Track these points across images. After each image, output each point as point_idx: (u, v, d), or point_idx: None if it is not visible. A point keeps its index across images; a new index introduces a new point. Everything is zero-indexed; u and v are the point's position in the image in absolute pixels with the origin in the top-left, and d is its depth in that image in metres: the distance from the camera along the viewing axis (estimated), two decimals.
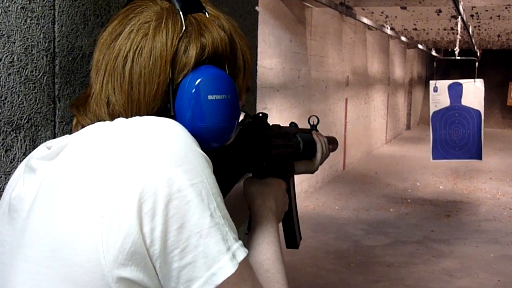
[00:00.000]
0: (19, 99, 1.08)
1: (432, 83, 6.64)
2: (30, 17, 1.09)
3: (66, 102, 1.19)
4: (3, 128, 1.06)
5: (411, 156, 11.85)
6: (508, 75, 18.23)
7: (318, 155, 1.31)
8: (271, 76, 6.54)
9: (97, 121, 0.86)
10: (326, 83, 8.60)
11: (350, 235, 6.03)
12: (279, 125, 1.17)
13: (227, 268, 0.73)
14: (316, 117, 1.38)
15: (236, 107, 0.88)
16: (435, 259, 5.32)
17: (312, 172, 1.32)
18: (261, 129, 1.06)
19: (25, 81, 1.09)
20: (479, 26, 9.88)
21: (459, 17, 6.81)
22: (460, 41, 7.40)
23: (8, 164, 1.08)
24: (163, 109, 0.85)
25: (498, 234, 6.18)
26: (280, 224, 1.09)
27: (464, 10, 6.78)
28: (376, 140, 12.58)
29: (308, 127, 1.37)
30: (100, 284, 0.71)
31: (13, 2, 1.05)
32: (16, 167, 1.08)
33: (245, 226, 1.14)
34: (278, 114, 6.72)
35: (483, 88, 6.47)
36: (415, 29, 10.72)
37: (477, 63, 6.93)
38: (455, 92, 6.53)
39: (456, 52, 7.32)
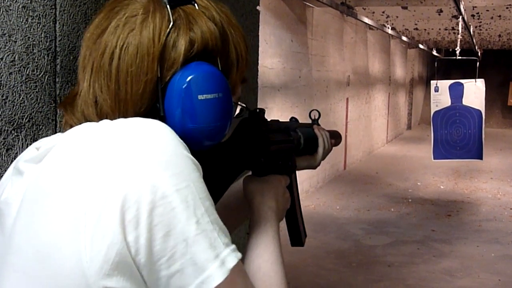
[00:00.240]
0: (20, 98, 1.08)
1: (433, 83, 6.63)
2: (31, 16, 1.09)
3: None
4: (4, 127, 1.06)
5: (412, 156, 11.85)
6: (509, 75, 18.22)
7: (320, 150, 1.27)
8: (272, 76, 6.54)
9: (85, 121, 0.82)
10: (327, 83, 8.60)
11: (351, 235, 6.03)
12: (277, 120, 1.13)
13: (215, 276, 0.70)
14: (317, 111, 1.34)
15: (229, 105, 0.84)
16: (436, 259, 5.32)
17: (314, 168, 1.28)
18: (258, 124, 1.01)
19: (26, 80, 1.09)
20: (480, 26, 9.87)
21: (460, 17, 6.80)
22: (461, 41, 7.39)
23: (9, 163, 1.08)
24: (152, 108, 0.80)
25: (499, 234, 6.18)
26: (284, 222, 1.07)
27: (465, 10, 6.77)
28: (377, 139, 12.57)
29: (310, 121, 1.34)
30: None
31: (14, 1, 1.05)
32: None
33: (246, 225, 1.14)
34: (279, 114, 6.72)
35: (484, 88, 6.46)
36: (416, 29, 10.72)
37: (478, 63, 6.93)
38: (456, 92, 6.53)
39: (457, 52, 7.32)
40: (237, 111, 0.96)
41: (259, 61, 2.34)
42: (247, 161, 1.01)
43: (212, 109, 0.81)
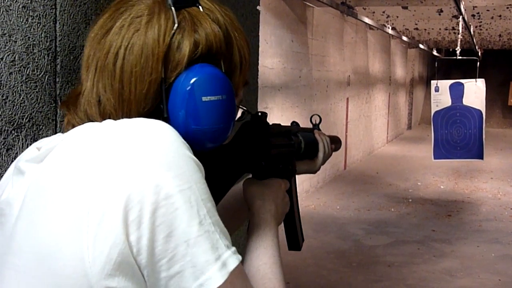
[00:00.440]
0: (21, 98, 1.08)
1: (433, 83, 6.63)
2: (31, 16, 1.09)
3: None
4: (5, 127, 1.06)
5: (412, 156, 11.85)
6: (509, 75, 18.22)
7: (320, 154, 1.27)
8: (272, 76, 6.54)
9: (88, 121, 0.82)
10: (327, 83, 8.60)
11: (351, 235, 6.03)
12: (279, 124, 1.13)
13: (215, 278, 0.70)
14: (318, 116, 1.35)
15: (232, 108, 0.84)
16: (436, 259, 5.32)
17: (314, 172, 1.28)
18: (260, 128, 1.02)
19: (27, 80, 1.09)
20: (480, 26, 9.87)
21: (460, 17, 6.80)
22: (461, 41, 7.39)
23: (9, 163, 1.08)
24: (155, 109, 0.80)
25: (499, 234, 6.18)
26: (282, 226, 1.07)
27: (465, 10, 6.77)
28: (377, 139, 12.57)
29: (310, 126, 1.35)
30: None
31: (14, 1, 1.05)
32: None
33: (245, 226, 1.14)
34: (279, 114, 6.72)
35: (484, 88, 6.46)
36: (417, 28, 10.71)
37: (478, 63, 6.93)
38: (457, 92, 6.52)
39: (458, 52, 7.32)
40: (239, 114, 0.96)
41: (259, 61, 2.34)
42: (248, 164, 1.01)
43: (216, 111, 0.81)
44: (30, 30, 1.09)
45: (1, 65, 1.04)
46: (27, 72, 1.09)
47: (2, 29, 1.03)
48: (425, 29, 10.81)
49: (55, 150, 0.77)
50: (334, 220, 6.62)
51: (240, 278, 0.74)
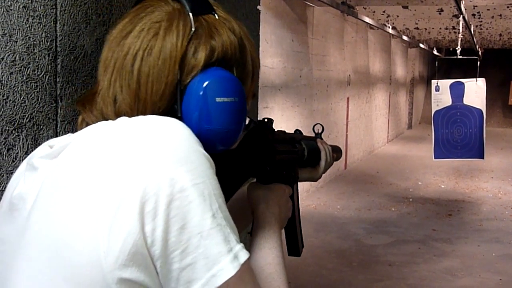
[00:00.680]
0: (21, 98, 1.08)
1: (434, 82, 6.63)
2: (32, 16, 1.09)
3: (68, 101, 1.19)
4: (5, 127, 1.06)
5: (412, 155, 11.84)
6: (510, 74, 18.22)
7: (322, 163, 1.30)
8: (272, 75, 6.54)
9: (102, 119, 0.85)
10: (327, 82, 8.60)
11: (352, 234, 6.03)
12: (284, 131, 1.16)
13: (227, 269, 0.73)
14: (321, 125, 1.37)
15: (243, 111, 0.87)
16: (437, 258, 5.32)
17: (315, 180, 1.31)
18: (266, 134, 1.05)
19: (27, 80, 1.09)
20: (480, 25, 9.86)
21: (461, 16, 6.80)
22: (461, 40, 7.38)
23: (10, 163, 1.08)
24: (170, 109, 0.84)
25: (500, 233, 6.18)
26: (283, 232, 1.08)
27: (465, 9, 6.77)
28: (377, 139, 12.57)
29: (311, 125, 1.37)
30: (101, 285, 0.70)
31: (15, 1, 1.05)
32: (18, 166, 1.08)
33: (247, 228, 1.14)
34: (280, 113, 6.72)
35: (484, 87, 6.46)
36: (417, 28, 10.71)
37: (478, 62, 6.92)
38: (457, 91, 6.52)
39: (458, 51, 7.31)
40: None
41: (260, 61, 2.34)
42: (253, 169, 1.04)
43: (228, 112, 0.84)
44: (31, 30, 1.09)
45: (2, 65, 1.04)
46: (28, 72, 1.09)
47: (2, 29, 1.04)
48: (426, 29, 10.80)
49: (70, 146, 0.80)
50: (335, 219, 6.62)
51: (248, 273, 0.77)
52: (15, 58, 1.06)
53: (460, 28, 7.14)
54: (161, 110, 0.84)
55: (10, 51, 1.05)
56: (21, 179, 0.85)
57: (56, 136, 1.17)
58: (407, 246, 5.67)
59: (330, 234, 6.03)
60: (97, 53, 1.25)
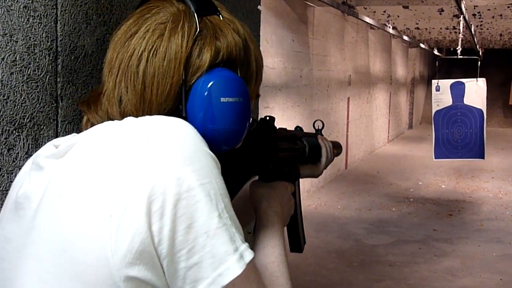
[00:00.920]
0: (22, 98, 1.08)
1: (434, 82, 6.62)
2: (32, 16, 1.09)
3: (68, 101, 1.19)
4: (6, 127, 1.06)
5: (413, 155, 11.84)
6: (510, 74, 18.20)
7: (323, 159, 1.31)
8: (273, 76, 6.54)
9: (107, 120, 0.86)
10: (328, 82, 8.60)
11: (352, 234, 6.03)
12: (285, 129, 1.17)
13: (233, 269, 0.73)
14: (321, 121, 1.38)
15: (248, 111, 0.88)
16: (437, 258, 5.32)
17: (316, 176, 1.32)
18: (268, 132, 1.05)
19: (28, 80, 1.09)
20: (481, 25, 9.86)
21: (461, 16, 6.80)
22: (462, 40, 7.38)
23: (10, 163, 1.08)
24: (175, 110, 0.85)
25: (500, 233, 6.18)
26: (285, 228, 1.09)
27: (466, 9, 6.77)
28: (378, 139, 12.57)
29: (312, 126, 1.38)
30: (108, 283, 0.70)
31: (15, 1, 1.06)
32: (18, 166, 1.08)
33: (249, 227, 1.14)
34: (280, 113, 6.72)
35: (485, 87, 6.46)
36: (417, 28, 10.71)
37: (479, 62, 6.92)
38: (458, 91, 6.52)
39: (458, 51, 7.30)
40: None
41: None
42: (256, 167, 1.04)
43: (233, 112, 0.85)
44: (31, 30, 1.09)
45: (2, 65, 1.04)
46: (28, 72, 1.09)
47: (3, 29, 1.04)
48: (426, 29, 10.80)
49: (76, 145, 0.80)
50: (335, 219, 6.62)
51: (253, 272, 0.78)
52: (16, 58, 1.06)
53: (461, 28, 7.14)
54: (166, 111, 0.84)
55: (11, 51, 1.05)
56: (27, 179, 0.85)
57: (57, 136, 1.17)
58: (408, 246, 5.67)
59: (331, 234, 6.03)
60: (98, 53, 1.25)
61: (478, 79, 6.44)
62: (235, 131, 0.86)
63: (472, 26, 9.09)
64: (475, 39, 10.63)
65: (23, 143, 1.10)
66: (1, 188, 1.07)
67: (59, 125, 1.18)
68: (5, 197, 1.03)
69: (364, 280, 4.76)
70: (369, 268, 5.02)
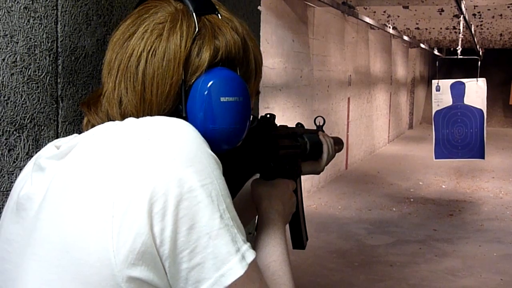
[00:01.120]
0: (22, 99, 1.08)
1: (434, 82, 6.62)
2: (33, 17, 1.09)
3: (69, 102, 1.19)
4: (6, 128, 1.06)
5: (413, 155, 11.84)
6: (511, 74, 18.19)
7: (324, 155, 1.31)
8: (273, 76, 6.54)
9: (108, 121, 0.86)
10: (328, 83, 8.60)
11: (353, 235, 6.03)
12: (286, 126, 1.16)
13: (236, 269, 0.73)
14: (322, 118, 1.37)
15: (248, 110, 0.88)
16: (438, 259, 5.32)
17: (318, 173, 1.32)
18: (269, 129, 1.05)
19: (28, 81, 1.09)
20: (481, 25, 9.86)
21: (461, 16, 6.80)
22: (462, 40, 7.38)
23: (11, 163, 1.08)
24: (175, 110, 0.85)
25: (501, 233, 6.18)
26: (287, 225, 1.09)
27: (466, 9, 6.76)
28: (378, 139, 12.57)
29: (314, 127, 1.37)
30: (110, 283, 0.71)
31: (16, 2, 1.06)
32: (19, 167, 1.08)
33: (249, 227, 1.14)
34: (281, 114, 6.71)
35: (485, 87, 6.46)
36: (418, 28, 10.71)
37: (479, 62, 6.91)
38: (458, 91, 6.52)
39: (459, 51, 7.31)
40: None
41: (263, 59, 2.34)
42: (257, 165, 1.04)
43: (232, 112, 0.85)
44: (32, 31, 1.09)
45: (3, 66, 1.04)
46: (29, 73, 1.09)
47: (3, 30, 1.04)
48: (426, 29, 10.80)
49: (77, 146, 0.80)
50: (336, 220, 6.62)
51: (256, 271, 0.78)
52: (16, 59, 1.07)
53: (461, 28, 7.14)
54: (166, 111, 0.84)
55: (11, 52, 1.05)
56: (28, 180, 0.85)
57: (57, 136, 1.17)
58: (408, 246, 5.67)
59: (331, 234, 6.03)
60: (98, 54, 1.25)
61: (478, 79, 6.44)
62: (235, 131, 0.86)
63: (472, 26, 9.09)
64: (475, 39, 10.63)
65: (24, 144, 1.10)
66: (2, 189, 1.07)
67: (60, 126, 1.18)
68: (6, 197, 1.03)
69: (364, 280, 4.76)
70: (369, 268, 5.02)
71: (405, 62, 15.50)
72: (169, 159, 0.73)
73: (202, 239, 0.72)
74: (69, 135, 1.00)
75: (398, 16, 9.16)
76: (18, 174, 0.93)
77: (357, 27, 10.08)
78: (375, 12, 8.72)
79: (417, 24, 10.08)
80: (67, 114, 1.19)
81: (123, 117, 0.85)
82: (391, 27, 10.07)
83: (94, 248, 0.71)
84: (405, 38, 11.89)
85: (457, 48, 7.33)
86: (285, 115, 6.84)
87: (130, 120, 0.81)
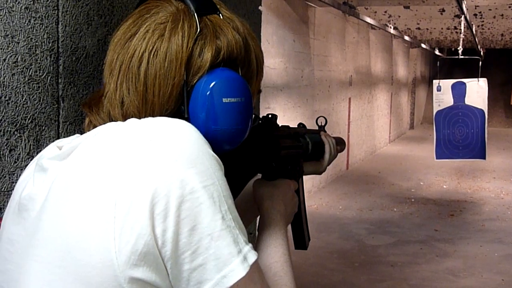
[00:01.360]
0: (23, 99, 1.09)
1: (435, 82, 6.62)
2: (34, 17, 1.09)
3: (69, 102, 1.19)
4: (7, 128, 1.06)
5: (414, 155, 11.84)
6: None
7: (326, 156, 1.31)
8: (274, 76, 6.54)
9: (109, 121, 0.85)
10: (329, 83, 8.60)
11: (354, 235, 6.03)
12: (288, 126, 1.16)
13: (237, 270, 0.73)
14: (324, 118, 1.37)
15: (250, 110, 0.88)
16: (439, 259, 5.31)
17: (320, 173, 1.32)
18: (271, 130, 1.05)
19: (29, 81, 1.09)
20: (482, 25, 9.86)
21: (462, 16, 6.79)
22: (463, 40, 7.37)
23: (12, 164, 1.08)
24: (177, 110, 0.84)
25: (502, 233, 6.17)
26: (289, 226, 1.09)
27: (467, 9, 6.76)
28: (379, 139, 12.56)
29: (315, 127, 1.37)
30: (112, 284, 0.71)
31: (17, 3, 1.06)
32: (20, 167, 1.08)
33: (249, 227, 1.14)
34: (281, 114, 6.71)
35: (486, 87, 6.45)
36: (418, 28, 10.70)
37: (480, 62, 6.91)
38: (459, 91, 6.51)
39: (460, 51, 7.30)
40: None
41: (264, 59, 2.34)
42: (259, 165, 1.04)
43: (235, 112, 0.85)
44: (33, 31, 1.09)
45: (4, 66, 1.04)
46: (30, 73, 1.09)
47: (4, 31, 1.04)
48: (427, 29, 10.79)
49: (79, 147, 0.80)
50: (337, 220, 6.62)
51: (257, 273, 0.77)
52: (17, 59, 1.07)
53: (462, 28, 7.14)
54: (168, 112, 0.84)
55: (12, 52, 1.06)
56: (30, 180, 0.85)
57: (58, 137, 1.17)
58: (409, 247, 5.66)
59: (332, 234, 6.03)
60: (99, 54, 1.25)
61: (479, 79, 6.44)
62: (237, 131, 0.86)
63: (473, 26, 9.09)
64: (476, 39, 10.62)
65: (25, 144, 1.10)
66: (3, 189, 1.07)
67: (61, 126, 1.18)
68: (7, 198, 1.03)
69: (365, 280, 4.76)
70: (370, 269, 5.01)
71: (406, 62, 15.50)
72: (171, 161, 0.72)
73: (204, 240, 0.72)
74: (70, 135, 1.00)
75: (399, 16, 9.15)
76: (19, 175, 0.93)
77: (358, 27, 10.08)
78: (376, 12, 8.72)
79: (418, 24, 10.08)
80: (68, 114, 1.19)
81: (125, 117, 0.84)
82: (392, 27, 10.07)
83: (96, 249, 0.71)
84: (406, 38, 11.89)
85: (458, 48, 7.32)
86: (286, 115, 6.84)
87: (132, 121, 0.81)
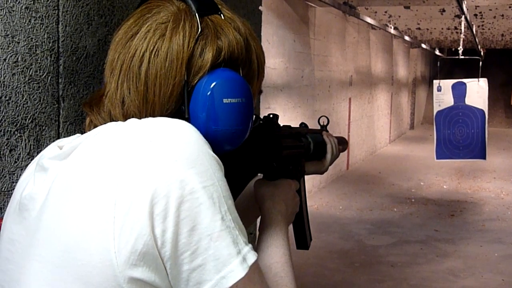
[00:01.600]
0: (23, 99, 1.09)
1: (435, 82, 6.61)
2: (34, 17, 1.09)
3: (70, 102, 1.19)
4: (8, 128, 1.06)
5: (414, 155, 11.84)
6: None
7: (328, 155, 1.31)
8: (274, 76, 6.54)
9: (110, 121, 0.85)
10: (329, 83, 8.60)
11: (354, 235, 6.03)
12: (289, 126, 1.16)
13: (237, 271, 0.73)
14: (326, 117, 1.37)
15: (250, 111, 0.87)
16: (439, 259, 5.31)
17: (321, 173, 1.32)
18: (272, 129, 1.05)
19: (29, 81, 1.09)
20: (482, 25, 9.86)
21: (463, 17, 6.79)
22: (463, 40, 7.37)
23: (12, 163, 1.08)
24: (177, 110, 0.84)
25: (502, 233, 6.17)
26: (291, 225, 1.08)
27: (467, 9, 6.76)
28: (379, 139, 12.56)
29: (316, 127, 1.37)
30: (112, 284, 0.71)
31: (17, 2, 1.06)
32: (20, 167, 1.08)
33: (250, 227, 1.14)
34: (282, 114, 6.71)
35: (487, 88, 6.44)
36: (419, 28, 10.70)
37: (480, 63, 6.90)
38: (459, 91, 6.51)
39: (460, 52, 7.29)
40: None
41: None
42: (260, 165, 1.04)
43: (235, 113, 0.85)
44: (33, 31, 1.09)
45: (4, 66, 1.04)
46: (30, 73, 1.09)
47: (5, 30, 1.04)
48: (428, 29, 10.80)
49: (80, 147, 0.80)
50: (337, 220, 6.62)
51: (257, 273, 0.77)
52: (18, 59, 1.07)
53: (462, 28, 7.13)
54: (169, 112, 0.84)
55: (13, 52, 1.06)
56: (31, 180, 0.85)
57: (58, 137, 1.17)
58: (409, 247, 5.66)
59: (332, 234, 6.03)
60: (99, 54, 1.25)
61: (480, 79, 6.43)
62: (238, 132, 0.86)
63: (474, 26, 9.08)
64: (477, 39, 10.62)
65: (25, 144, 1.10)
66: (3, 189, 1.07)
67: (61, 126, 1.18)
68: (7, 197, 1.03)
69: (365, 280, 4.76)
70: (370, 269, 5.01)
71: (406, 62, 15.50)
72: (171, 161, 0.72)
73: (203, 241, 0.72)
74: (70, 135, 1.00)
75: (399, 16, 9.15)
76: (20, 175, 0.94)
77: (358, 27, 10.08)
78: (376, 12, 8.72)
79: (418, 24, 10.08)
80: (68, 114, 1.19)
81: (125, 117, 0.85)
82: (392, 27, 10.07)
83: (96, 248, 0.71)
84: (406, 38, 11.89)
85: (459, 48, 7.32)
86: (286, 115, 6.84)
87: (133, 121, 0.81)
